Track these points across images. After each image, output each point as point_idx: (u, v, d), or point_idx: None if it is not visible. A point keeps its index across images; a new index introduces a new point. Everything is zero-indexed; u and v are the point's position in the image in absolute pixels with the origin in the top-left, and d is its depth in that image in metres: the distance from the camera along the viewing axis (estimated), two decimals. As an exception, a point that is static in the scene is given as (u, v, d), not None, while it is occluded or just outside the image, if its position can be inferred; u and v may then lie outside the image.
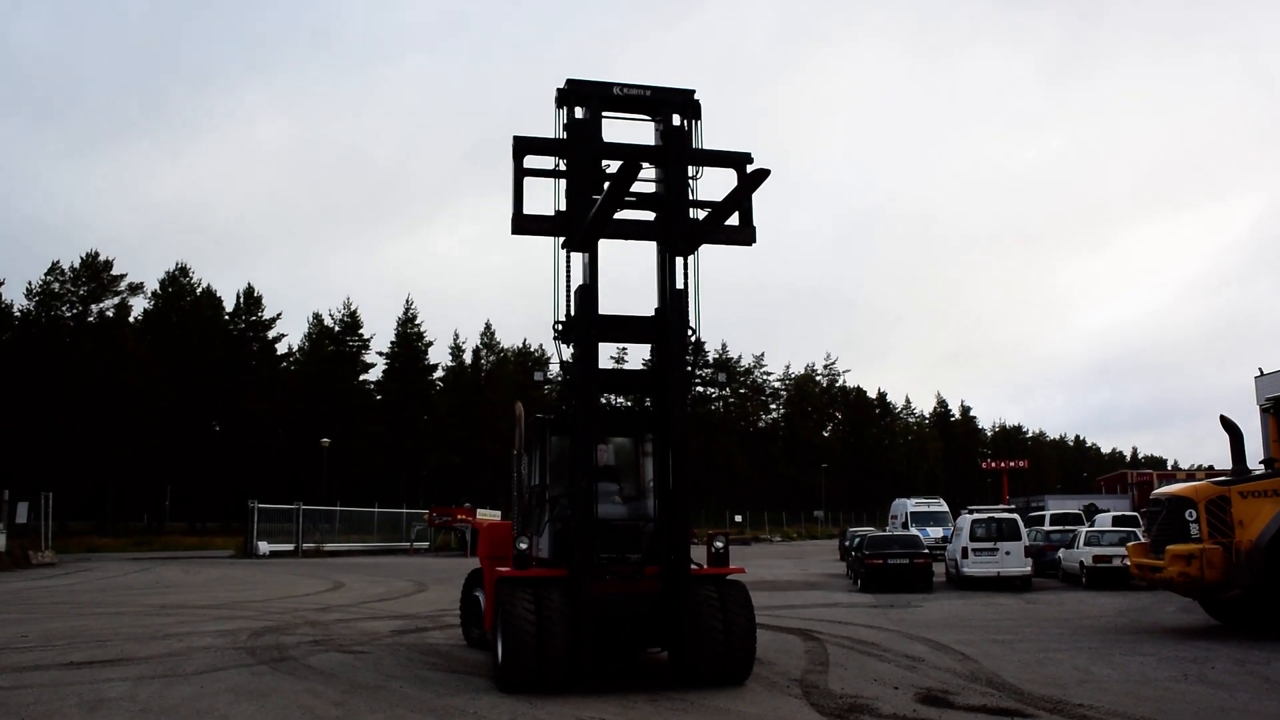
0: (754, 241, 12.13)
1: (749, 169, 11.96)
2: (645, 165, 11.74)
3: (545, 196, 11.96)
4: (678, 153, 11.98)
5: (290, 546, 51.94)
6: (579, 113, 12.00)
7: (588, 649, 10.70)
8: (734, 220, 11.98)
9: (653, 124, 12.42)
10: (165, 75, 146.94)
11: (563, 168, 11.96)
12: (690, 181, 12.05)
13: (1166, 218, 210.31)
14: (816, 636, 15.80)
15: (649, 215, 12.21)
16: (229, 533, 65.90)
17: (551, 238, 11.93)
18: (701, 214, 11.98)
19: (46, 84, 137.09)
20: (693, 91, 12.23)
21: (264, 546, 50.30)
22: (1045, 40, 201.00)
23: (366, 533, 60.34)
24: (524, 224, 11.80)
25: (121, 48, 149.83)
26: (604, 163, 11.96)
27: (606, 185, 11.01)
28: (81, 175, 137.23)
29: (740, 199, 11.57)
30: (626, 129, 12.45)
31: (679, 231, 11.75)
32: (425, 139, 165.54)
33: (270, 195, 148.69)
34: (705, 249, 12.18)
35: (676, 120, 12.14)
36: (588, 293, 11.49)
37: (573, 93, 11.99)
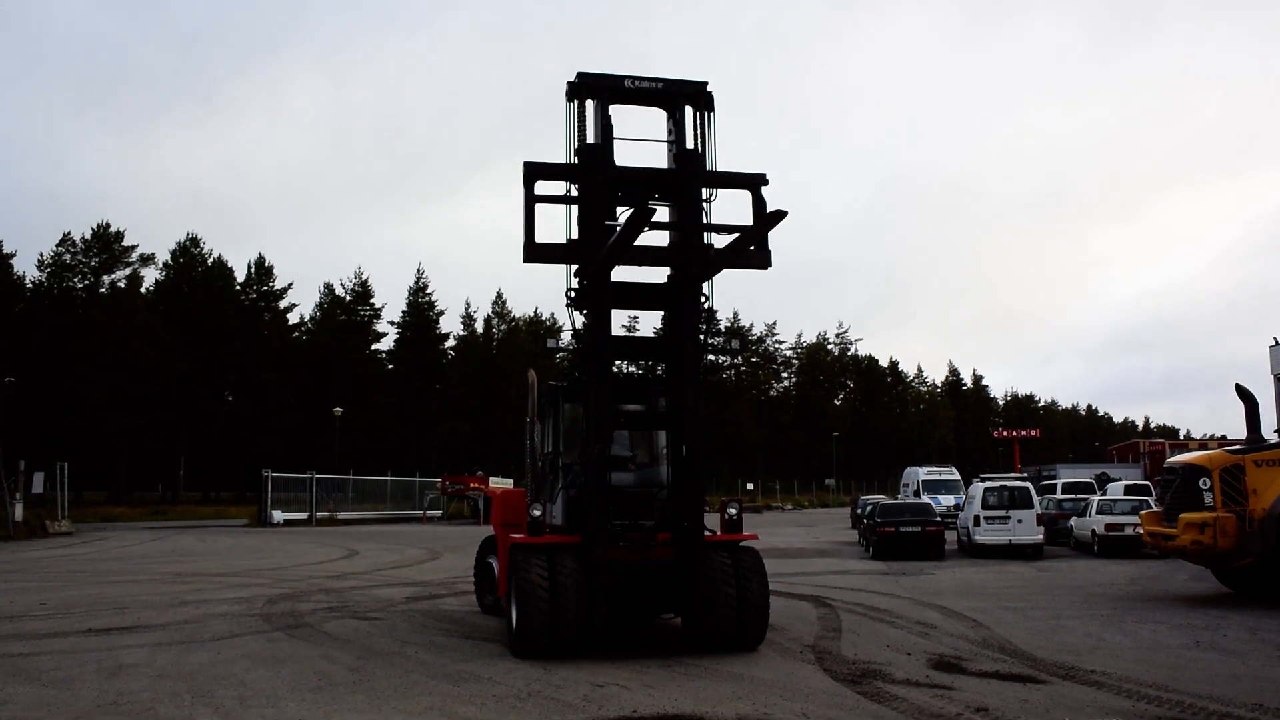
0: (769, 265, 12.02)
1: (767, 207, 11.82)
2: (658, 196, 11.84)
3: (558, 214, 11.88)
4: (691, 177, 11.78)
5: (304, 515, 52.22)
6: (589, 108, 11.79)
7: (601, 615, 10.75)
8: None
9: (665, 119, 12.21)
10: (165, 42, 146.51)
11: (574, 192, 11.77)
12: (705, 205, 11.89)
13: (1202, 187, 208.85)
14: (829, 603, 15.85)
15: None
16: (243, 502, 66.33)
17: (561, 206, 11.84)
18: (715, 238, 11.88)
19: (60, 48, 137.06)
20: (705, 83, 12.05)
21: (278, 515, 50.57)
22: (1094, 5, 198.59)
23: (379, 501, 60.62)
24: (536, 253, 11.72)
25: (143, 19, 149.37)
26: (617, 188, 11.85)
27: (618, 229, 10.87)
28: (95, 145, 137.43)
29: (755, 237, 11.46)
30: (640, 124, 12.30)
31: (693, 259, 11.57)
32: (434, 112, 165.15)
33: (279, 167, 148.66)
34: (717, 203, 12.09)
35: (689, 113, 11.99)
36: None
37: (583, 86, 11.78)
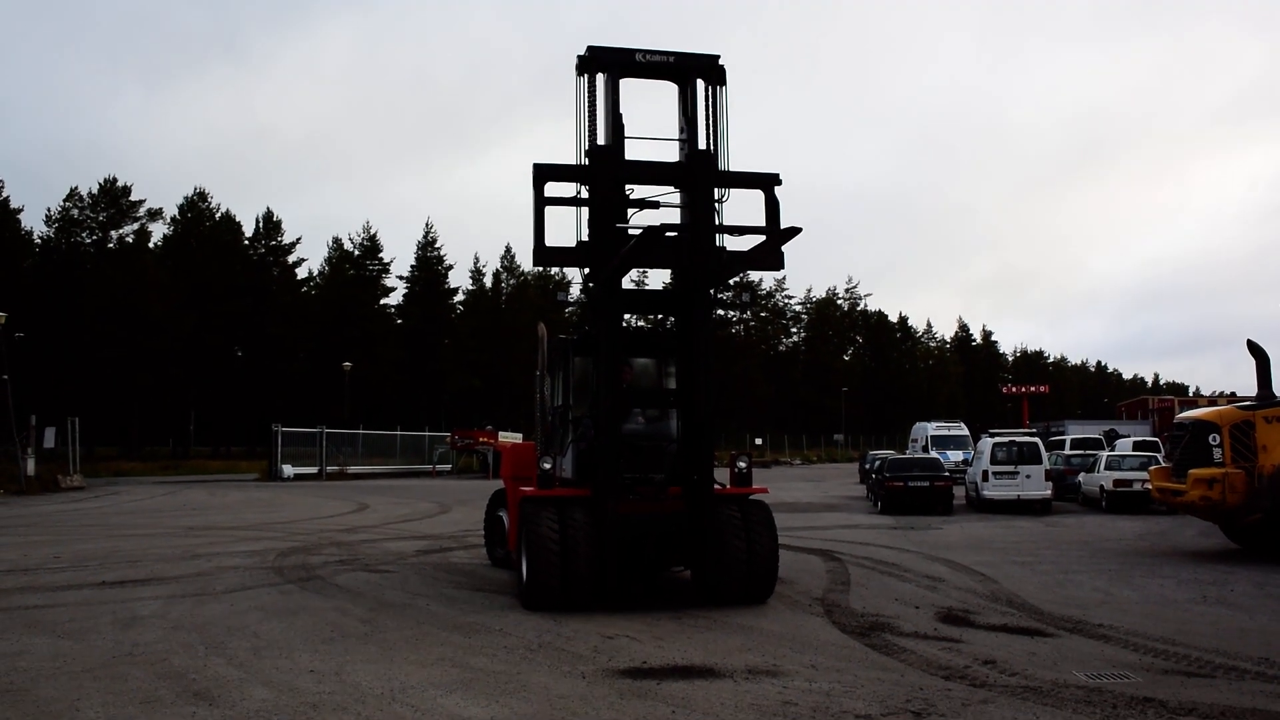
0: (781, 267, 11.93)
1: (779, 208, 11.74)
2: (669, 190, 11.66)
3: (567, 209, 11.71)
4: (704, 177, 11.60)
5: (314, 470, 52.55)
6: (600, 82, 11.60)
7: (612, 568, 10.80)
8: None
9: (676, 92, 12.01)
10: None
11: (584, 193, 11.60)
12: (716, 205, 11.74)
13: (1236, 143, 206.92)
14: (837, 557, 15.91)
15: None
16: (253, 457, 66.71)
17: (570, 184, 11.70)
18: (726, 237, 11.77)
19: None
20: (717, 57, 11.85)
21: (288, 470, 50.89)
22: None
23: (389, 456, 60.88)
24: (546, 256, 11.66)
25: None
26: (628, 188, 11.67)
27: (628, 244, 10.79)
28: (104, 98, 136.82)
29: (769, 251, 11.35)
30: (651, 101, 12.09)
31: (704, 265, 11.44)
32: (455, 70, 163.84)
33: (291, 123, 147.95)
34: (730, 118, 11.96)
35: (700, 86, 11.81)
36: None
37: (593, 60, 11.59)
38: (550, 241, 11.44)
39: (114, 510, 28.69)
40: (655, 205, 11.72)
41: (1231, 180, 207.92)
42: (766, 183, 11.85)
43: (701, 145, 11.75)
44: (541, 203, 11.41)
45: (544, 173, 11.44)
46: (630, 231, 11.40)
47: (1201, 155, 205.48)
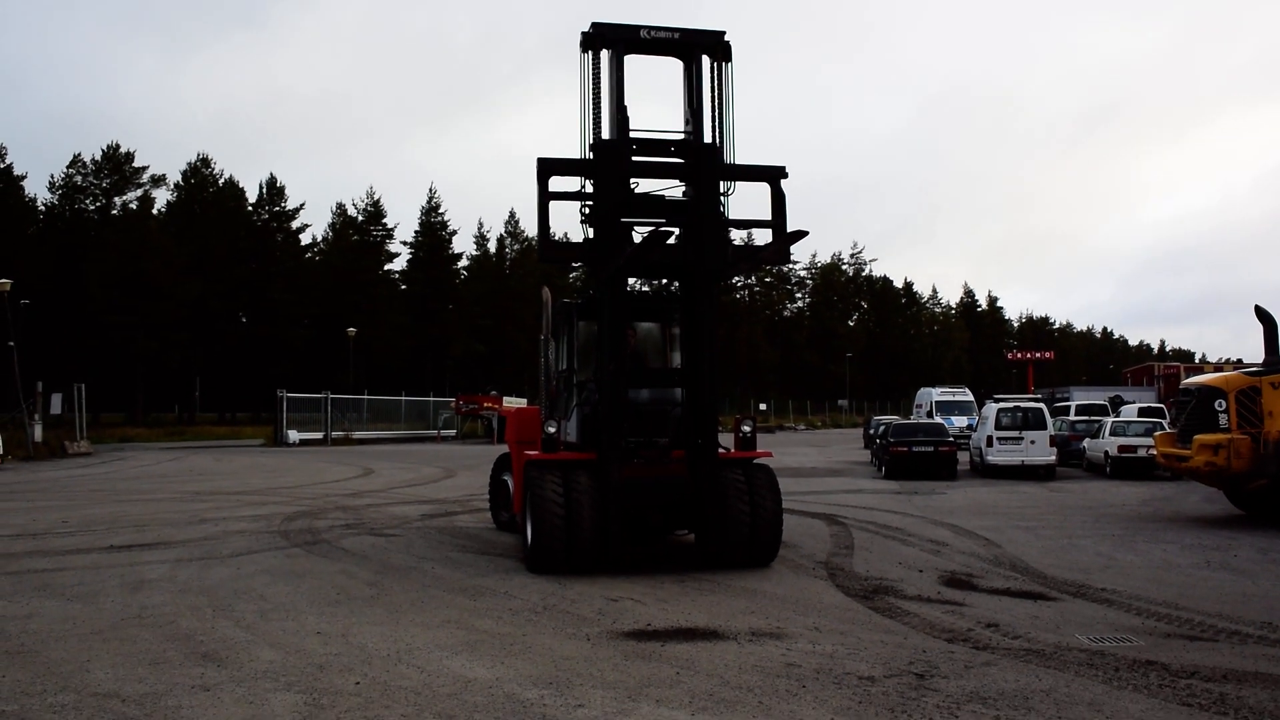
0: (787, 261, 11.90)
1: (785, 201, 11.64)
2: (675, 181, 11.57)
3: (572, 186, 11.60)
4: (709, 171, 11.45)
5: (319, 435, 52.72)
6: (604, 59, 11.45)
7: (616, 531, 10.83)
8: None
9: (681, 70, 11.85)
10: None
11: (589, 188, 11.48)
12: (722, 198, 11.60)
13: (1255, 108, 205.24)
14: (841, 521, 15.96)
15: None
16: (258, 422, 66.94)
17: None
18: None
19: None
20: (723, 33, 11.69)
21: (293, 435, 51.05)
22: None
23: (394, 421, 61.06)
24: (552, 251, 11.67)
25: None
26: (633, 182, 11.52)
27: (632, 246, 10.73)
28: (112, 64, 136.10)
29: (776, 252, 11.26)
30: (655, 75, 11.88)
31: (710, 263, 11.32)
32: (463, 38, 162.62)
33: (299, 86, 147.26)
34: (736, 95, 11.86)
35: (706, 63, 11.67)
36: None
37: (598, 36, 11.41)
38: (556, 229, 11.45)
39: (120, 476, 28.82)
40: (661, 199, 11.67)
41: (1248, 144, 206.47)
42: (773, 175, 11.73)
43: (707, 125, 11.61)
44: (546, 197, 11.30)
45: (549, 167, 11.30)
46: (635, 230, 11.40)
47: (1220, 118, 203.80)
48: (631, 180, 11.44)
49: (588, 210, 11.45)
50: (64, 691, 6.48)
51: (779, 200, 11.69)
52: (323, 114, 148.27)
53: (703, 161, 11.45)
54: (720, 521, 11.10)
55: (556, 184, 11.39)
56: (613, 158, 11.29)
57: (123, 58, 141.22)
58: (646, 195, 11.61)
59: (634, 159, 11.44)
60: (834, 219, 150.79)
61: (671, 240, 10.85)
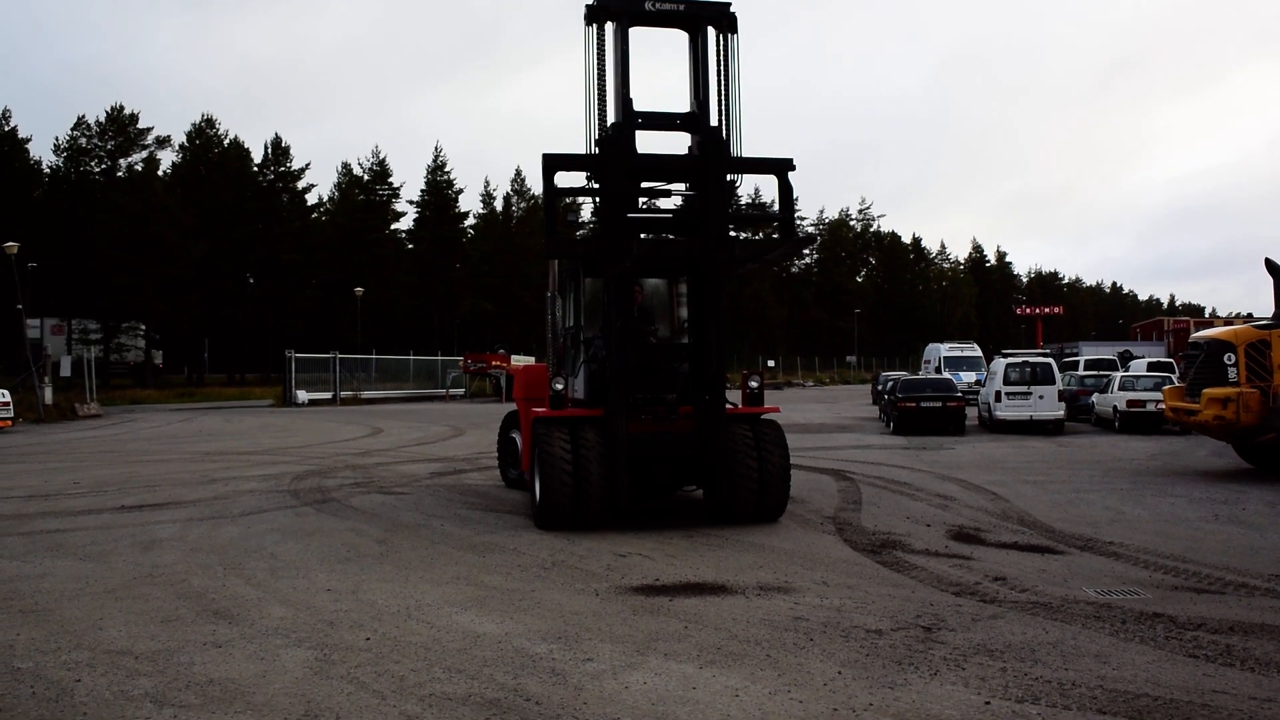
0: (791, 258, 11.79)
1: (793, 193, 11.56)
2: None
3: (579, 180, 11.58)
4: (716, 165, 11.32)
5: (328, 395, 52.88)
6: (609, 31, 11.31)
7: (624, 487, 10.86)
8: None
9: (686, 40, 11.72)
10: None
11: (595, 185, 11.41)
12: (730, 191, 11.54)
13: (1272, 64, 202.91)
14: (849, 476, 15.99)
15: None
16: (267, 383, 67.07)
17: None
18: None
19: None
20: (728, 4, 11.56)
21: (302, 395, 51.17)
22: None
23: (402, 380, 61.16)
24: (559, 247, 11.71)
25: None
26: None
27: (639, 249, 10.74)
28: (107, 26, 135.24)
29: (783, 255, 11.16)
30: (660, 48, 11.77)
31: (719, 257, 11.22)
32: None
33: (293, 48, 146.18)
34: (744, 61, 11.78)
35: (711, 34, 11.53)
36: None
37: (602, 8, 11.28)
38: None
39: (131, 437, 28.96)
40: (667, 195, 11.61)
41: (1266, 100, 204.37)
42: (780, 168, 11.58)
43: (713, 100, 11.52)
44: (552, 193, 11.23)
45: (554, 163, 11.20)
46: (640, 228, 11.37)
47: (1237, 74, 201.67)
48: (638, 180, 11.47)
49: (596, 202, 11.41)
50: (78, 649, 6.55)
51: (786, 193, 11.61)
52: (328, 73, 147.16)
53: (709, 155, 11.33)
54: (728, 477, 11.12)
55: (562, 179, 11.36)
56: (619, 154, 11.19)
57: (124, 19, 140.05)
58: (654, 155, 11.54)
59: (640, 154, 11.35)
60: (842, 178, 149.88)
61: (673, 241, 10.83)
